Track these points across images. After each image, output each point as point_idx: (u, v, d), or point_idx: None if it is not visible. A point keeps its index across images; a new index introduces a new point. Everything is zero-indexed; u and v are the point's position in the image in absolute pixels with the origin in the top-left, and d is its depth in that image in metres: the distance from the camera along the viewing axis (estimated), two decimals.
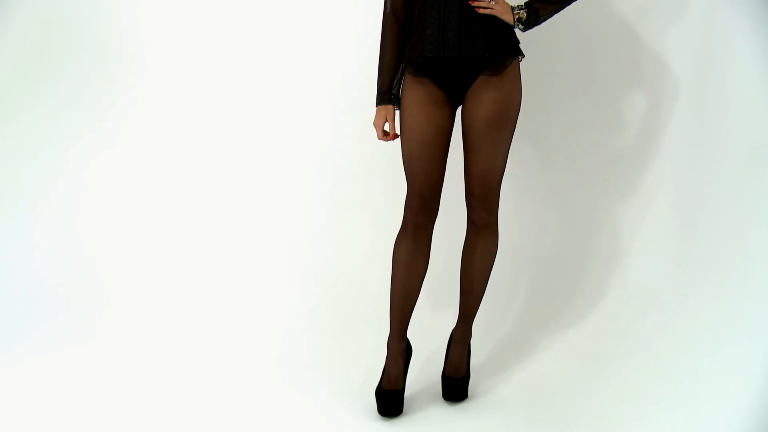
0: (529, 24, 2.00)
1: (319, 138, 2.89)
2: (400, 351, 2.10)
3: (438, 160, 2.01)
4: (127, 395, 2.17)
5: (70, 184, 3.03)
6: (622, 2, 2.54)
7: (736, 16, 2.31)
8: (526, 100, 2.07)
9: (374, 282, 2.62)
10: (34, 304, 2.78)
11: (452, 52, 1.93)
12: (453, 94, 2.01)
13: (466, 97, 2.00)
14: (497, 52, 1.96)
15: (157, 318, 2.69)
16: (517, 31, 2.02)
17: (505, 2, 1.97)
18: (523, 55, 2.02)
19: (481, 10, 1.92)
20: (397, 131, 2.07)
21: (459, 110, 2.05)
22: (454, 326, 2.21)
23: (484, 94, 1.97)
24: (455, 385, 2.16)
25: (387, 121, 2.07)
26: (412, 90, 2.01)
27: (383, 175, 2.76)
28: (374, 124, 2.09)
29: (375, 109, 2.10)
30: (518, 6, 1.99)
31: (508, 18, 1.96)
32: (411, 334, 2.13)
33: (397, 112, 2.08)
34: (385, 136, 2.09)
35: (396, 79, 2.06)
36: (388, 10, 2.05)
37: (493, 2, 1.93)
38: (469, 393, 2.19)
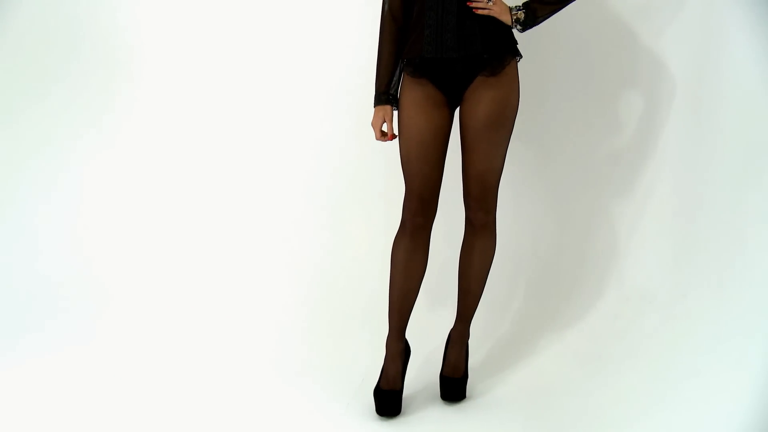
0: (527, 25, 2.00)
1: (318, 138, 2.89)
2: (398, 351, 2.11)
3: (436, 161, 2.01)
4: (127, 396, 2.17)
5: (70, 184, 3.03)
6: (620, 3, 2.55)
7: (733, 16, 2.31)
8: (524, 100, 2.07)
9: (373, 282, 2.62)
10: (33, 304, 2.78)
11: (450, 53, 1.94)
12: (451, 94, 2.01)
13: (464, 97, 2.00)
14: (495, 52, 1.96)
15: (156, 318, 2.69)
16: (515, 31, 2.02)
17: (503, 3, 1.97)
18: (521, 56, 2.02)
19: (479, 11, 1.92)
20: (396, 132, 2.07)
21: (457, 111, 2.06)
22: (452, 326, 2.22)
23: (482, 95, 1.97)
24: (453, 385, 2.17)
25: (385, 121, 2.07)
26: (411, 91, 2.01)
27: (382, 176, 2.76)
28: (372, 124, 2.09)
29: (373, 109, 2.10)
30: (516, 7, 1.99)
31: (506, 19, 1.96)
32: (409, 334, 2.13)
33: (396, 113, 2.08)
34: (383, 136, 2.09)
35: (394, 80, 2.07)
36: (386, 11, 2.05)
37: (490, 3, 1.93)
38: (468, 393, 2.19)
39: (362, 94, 2.38)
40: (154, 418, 2.05)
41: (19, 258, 2.96)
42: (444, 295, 2.64)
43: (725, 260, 2.35)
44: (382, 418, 2.06)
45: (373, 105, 2.10)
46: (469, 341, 2.22)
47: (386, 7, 2.05)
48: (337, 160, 2.89)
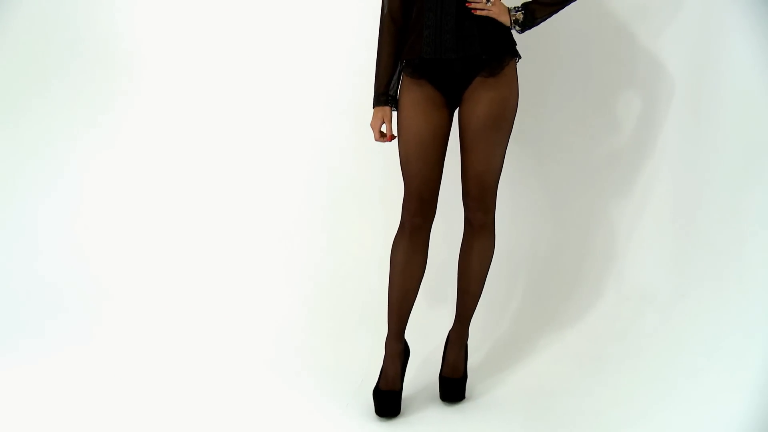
0: (525, 25, 2.00)
1: (317, 139, 2.89)
2: (397, 352, 2.11)
3: (435, 162, 2.01)
4: (126, 396, 2.17)
5: (69, 184, 3.03)
6: (618, 3, 2.55)
7: (731, 16, 2.31)
8: (523, 101, 2.08)
9: (372, 283, 2.63)
10: (33, 304, 2.78)
11: (449, 54, 1.94)
12: (450, 95, 2.01)
13: (463, 98, 2.00)
14: (494, 53, 1.96)
15: (156, 318, 2.69)
16: (513, 32, 2.03)
17: (502, 4, 1.97)
18: (520, 57, 2.02)
19: (478, 12, 1.93)
20: (395, 132, 2.07)
21: (456, 112, 2.06)
22: (451, 327, 2.22)
23: (481, 95, 1.97)
24: (452, 385, 2.17)
25: (384, 122, 2.07)
26: (410, 91, 2.01)
27: (381, 177, 2.76)
28: (371, 125, 2.09)
29: (372, 110, 2.11)
30: (515, 8, 1.99)
31: (505, 19, 1.96)
32: (408, 334, 2.13)
33: (395, 114, 2.08)
34: (382, 137, 2.09)
35: (393, 81, 2.07)
36: (385, 12, 2.05)
37: (489, 4, 1.93)
38: (467, 394, 2.19)
39: (361, 95, 2.38)
40: (154, 418, 2.05)
41: (19, 258, 2.96)
42: (443, 296, 2.64)
43: (724, 260, 2.36)
44: (382, 418, 2.06)
45: (372, 106, 2.10)
46: (469, 341, 2.22)
47: (385, 8, 2.05)
48: (336, 160, 2.89)
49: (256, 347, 2.50)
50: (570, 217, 2.76)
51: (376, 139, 2.10)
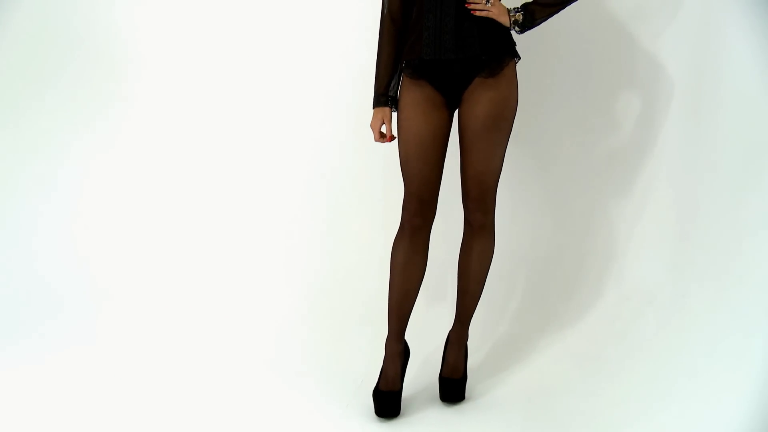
0: (525, 26, 2.00)
1: (317, 140, 2.89)
2: (397, 352, 2.11)
3: (435, 162, 2.01)
4: (126, 396, 2.17)
5: (69, 184, 3.04)
6: (618, 4, 2.55)
7: (731, 16, 2.31)
8: (523, 101, 2.08)
9: (372, 283, 2.63)
10: (32, 305, 2.78)
11: (449, 55, 1.94)
12: (450, 96, 2.01)
13: (462, 98, 2.01)
14: (493, 54, 1.96)
15: (155, 319, 2.69)
16: (513, 33, 2.03)
17: (501, 5, 1.97)
18: (520, 57, 2.03)
19: (478, 13, 1.93)
20: (395, 133, 2.07)
21: (456, 112, 2.06)
22: (451, 327, 2.22)
23: (481, 96, 1.97)
24: (452, 386, 2.17)
25: (384, 123, 2.08)
26: (410, 92, 2.01)
27: (380, 177, 2.77)
28: (371, 126, 2.09)
29: (372, 111, 2.11)
30: (514, 8, 1.99)
31: (504, 20, 1.97)
32: (408, 335, 2.13)
33: (395, 114, 2.08)
34: (382, 138, 2.10)
35: (393, 82, 2.07)
36: (385, 13, 2.06)
37: (489, 5, 1.93)
38: (467, 394, 2.19)
39: (361, 96, 2.39)
40: (154, 419, 2.05)
41: (18, 259, 2.96)
42: (443, 296, 2.65)
43: (724, 260, 2.35)
44: (381, 419, 2.06)
45: (372, 106, 2.10)
46: (468, 342, 2.22)
47: (386, 8, 2.05)
48: (336, 161, 2.89)
49: (256, 347, 2.50)
50: (570, 218, 2.77)
51: (376, 140, 2.10)
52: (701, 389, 2.09)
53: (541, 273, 2.76)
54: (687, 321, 2.35)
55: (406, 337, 2.13)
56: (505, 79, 1.98)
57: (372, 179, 2.83)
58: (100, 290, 2.85)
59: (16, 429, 2.01)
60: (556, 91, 2.70)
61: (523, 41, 2.11)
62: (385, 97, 2.07)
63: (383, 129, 2.09)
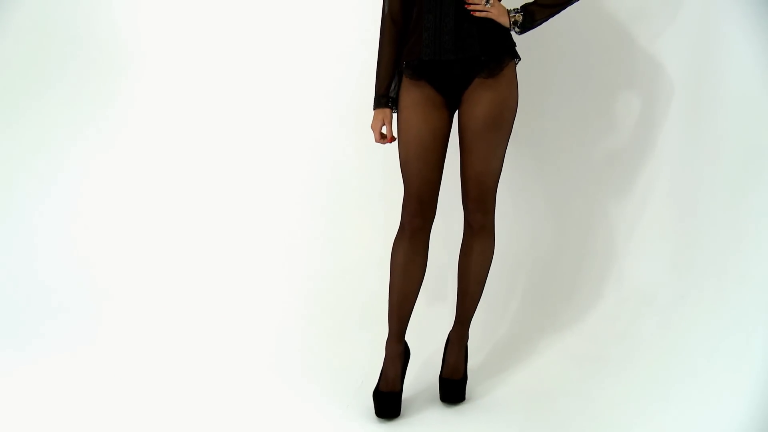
0: (525, 27, 2.00)
1: (317, 141, 2.90)
2: (397, 353, 2.11)
3: (435, 163, 2.01)
4: (126, 398, 2.17)
5: (69, 185, 3.03)
6: (618, 4, 2.55)
7: (730, 17, 2.31)
8: (523, 102, 2.08)
9: (372, 284, 2.63)
10: (32, 305, 2.78)
11: (448, 55, 1.94)
12: (450, 96, 2.01)
13: (462, 99, 2.01)
14: (493, 54, 1.96)
15: (156, 320, 2.69)
16: (513, 34, 2.03)
17: (501, 5, 1.97)
18: (519, 58, 2.03)
19: (477, 14, 1.93)
20: (395, 134, 2.07)
21: (456, 113, 2.06)
22: (451, 328, 2.22)
23: (481, 96, 1.97)
24: (452, 387, 2.17)
25: (384, 124, 2.08)
26: (410, 93, 2.01)
27: (381, 178, 2.77)
28: (372, 127, 2.09)
29: (372, 112, 2.11)
30: (514, 9, 2.00)
31: (504, 21, 1.97)
32: (408, 336, 2.13)
33: (395, 115, 2.08)
34: (383, 139, 2.10)
35: (393, 83, 2.07)
36: (386, 14, 2.06)
37: (488, 5, 1.93)
38: (467, 395, 2.19)
39: (361, 96, 2.39)
40: (155, 419, 2.05)
41: (18, 259, 2.96)
42: (443, 297, 2.64)
43: (724, 261, 2.35)
44: (382, 420, 2.07)
45: (372, 107, 2.10)
46: (469, 343, 2.23)
47: (386, 9, 2.05)
48: (336, 162, 2.89)
49: (256, 348, 2.50)
50: (570, 218, 2.77)
51: (376, 141, 2.10)
52: (701, 390, 2.09)
53: (541, 273, 2.76)
54: (687, 321, 2.35)
55: (406, 338, 2.13)
56: (505, 80, 1.99)
57: (372, 180, 2.83)
58: (100, 290, 2.85)
59: (16, 429, 2.01)
60: (556, 91, 2.70)
61: (523, 42, 2.11)
62: (385, 98, 2.07)
63: (384, 130, 2.09)
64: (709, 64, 2.39)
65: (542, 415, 2.09)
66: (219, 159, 2.96)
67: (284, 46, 2.87)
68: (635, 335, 2.42)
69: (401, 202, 2.04)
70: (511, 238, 2.68)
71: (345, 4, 2.79)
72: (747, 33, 2.26)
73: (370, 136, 2.15)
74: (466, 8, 1.92)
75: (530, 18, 2.00)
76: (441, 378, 2.19)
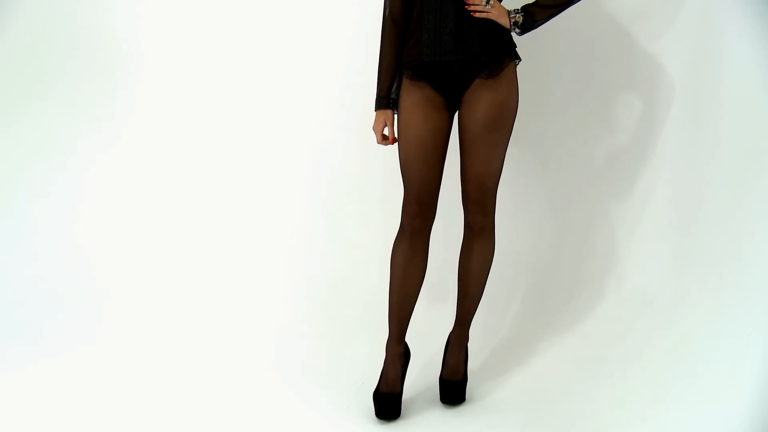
0: (525, 28, 2.00)
1: (317, 142, 2.89)
2: (398, 354, 2.11)
3: (435, 164, 2.01)
4: (126, 398, 2.17)
5: (69, 186, 3.03)
6: (618, 6, 2.55)
7: (730, 17, 2.31)
8: (523, 103, 2.08)
9: (372, 285, 2.63)
10: (32, 306, 2.78)
11: (448, 56, 1.94)
12: (450, 97, 2.01)
13: (462, 100, 2.00)
14: (493, 55, 1.96)
15: (155, 321, 2.69)
16: (513, 34, 2.03)
17: (501, 6, 1.97)
18: (520, 59, 2.02)
19: (477, 14, 1.93)
20: (396, 135, 2.07)
21: (456, 114, 2.06)
22: (451, 329, 2.21)
23: (481, 97, 1.97)
24: (453, 388, 2.17)
25: (386, 125, 2.08)
26: (410, 94, 2.01)
27: (381, 179, 2.77)
28: (373, 128, 2.09)
29: (374, 113, 2.11)
30: (514, 10, 1.99)
31: (504, 22, 1.96)
32: (409, 337, 2.13)
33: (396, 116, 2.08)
34: (385, 140, 2.10)
35: (395, 84, 2.07)
36: (387, 15, 2.05)
37: (488, 6, 1.93)
38: (467, 396, 2.19)
39: (361, 97, 2.39)
40: (154, 419, 2.05)
41: (18, 260, 2.96)
42: (443, 298, 2.64)
43: (724, 262, 2.35)
44: (382, 421, 2.07)
45: (374, 109, 2.10)
46: (469, 344, 2.22)
47: (387, 10, 2.05)
48: (337, 163, 2.89)
49: (256, 349, 2.50)
50: (570, 220, 2.76)
51: (378, 142, 2.10)
52: (701, 390, 2.09)
53: (541, 275, 2.76)
54: (687, 323, 2.35)
55: (406, 339, 2.13)
56: (505, 81, 1.98)
57: (372, 181, 2.83)
58: (100, 290, 2.85)
59: (16, 429, 2.01)
60: (557, 92, 2.70)
61: (523, 43, 2.11)
62: (387, 99, 2.06)
63: (386, 131, 2.09)
64: (710, 65, 2.39)
65: (542, 416, 2.09)
66: (219, 160, 2.96)
67: (285, 47, 2.87)
68: (636, 336, 2.42)
69: (401, 204, 2.04)
70: (512, 239, 2.68)
71: (346, 5, 2.79)
72: (747, 34, 2.26)
73: (371, 137, 2.15)
74: (466, 9, 1.92)
75: (530, 19, 1.99)
76: (441, 379, 2.19)
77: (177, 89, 2.95)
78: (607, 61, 2.62)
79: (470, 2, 1.92)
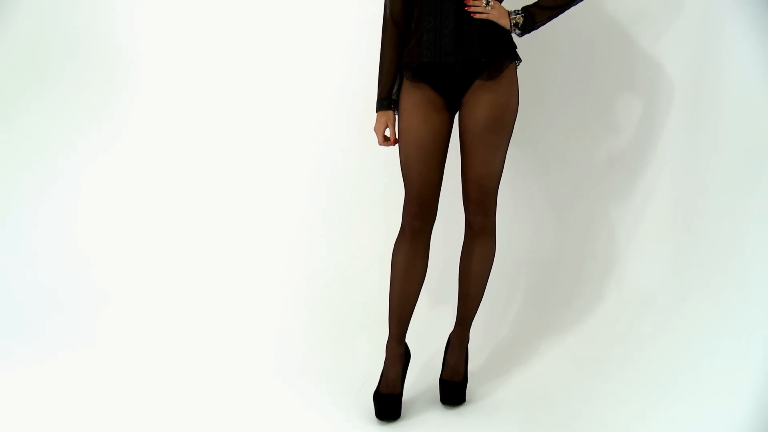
0: (525, 29, 1.99)
1: (318, 143, 2.89)
2: (398, 355, 2.11)
3: (435, 165, 2.01)
4: (125, 398, 2.17)
5: (68, 186, 3.03)
6: (618, 7, 2.55)
7: (731, 19, 2.31)
8: (524, 104, 2.08)
9: (373, 286, 2.63)
10: (32, 306, 2.78)
11: (448, 58, 1.94)
12: (450, 98, 2.01)
13: (463, 101, 2.00)
14: (493, 56, 1.96)
15: (156, 321, 2.69)
16: (513, 36, 2.02)
17: (502, 7, 1.97)
18: (520, 60, 2.02)
19: (477, 16, 1.92)
20: (397, 137, 2.07)
21: (457, 115, 2.06)
22: (452, 330, 2.22)
23: (481, 98, 1.97)
24: (453, 389, 2.17)
25: (387, 126, 2.08)
26: (410, 95, 2.01)
27: (381, 180, 2.77)
28: (375, 129, 2.09)
29: (375, 114, 2.10)
30: (515, 11, 1.99)
31: (505, 23, 1.96)
32: (409, 337, 2.13)
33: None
34: (386, 141, 2.10)
35: (396, 85, 2.06)
36: (387, 16, 2.05)
37: (488, 7, 1.93)
38: (467, 397, 2.19)
39: (362, 98, 2.38)
40: (154, 419, 2.05)
41: (18, 259, 2.96)
42: (444, 299, 2.64)
43: (724, 263, 2.36)
44: (382, 422, 2.07)
45: (375, 110, 2.10)
46: (469, 345, 2.22)
47: (387, 11, 2.04)
48: (337, 164, 2.89)
49: (257, 350, 2.50)
50: (570, 221, 2.76)
51: (379, 144, 2.10)
52: (701, 391, 2.09)
53: (542, 275, 2.76)
54: (687, 323, 2.36)
55: (406, 340, 2.13)
56: (505, 82, 1.98)
57: (373, 182, 2.83)
58: (100, 290, 2.85)
59: (16, 429, 2.01)
60: (557, 93, 2.70)
61: (523, 43, 2.11)
62: (388, 100, 2.06)
63: (387, 133, 2.09)
64: (710, 66, 2.40)
65: (543, 417, 2.09)
66: (220, 160, 2.96)
67: (285, 47, 2.87)
68: (636, 337, 2.42)
69: (402, 205, 2.04)
70: (512, 240, 2.68)
71: (346, 6, 2.78)
72: (747, 34, 2.27)
73: (372, 137, 2.15)
74: (466, 10, 1.92)
75: (531, 20, 1.99)
76: (441, 380, 2.19)
77: (177, 89, 2.95)
78: (607, 61, 2.62)
79: (470, 3, 1.92)
